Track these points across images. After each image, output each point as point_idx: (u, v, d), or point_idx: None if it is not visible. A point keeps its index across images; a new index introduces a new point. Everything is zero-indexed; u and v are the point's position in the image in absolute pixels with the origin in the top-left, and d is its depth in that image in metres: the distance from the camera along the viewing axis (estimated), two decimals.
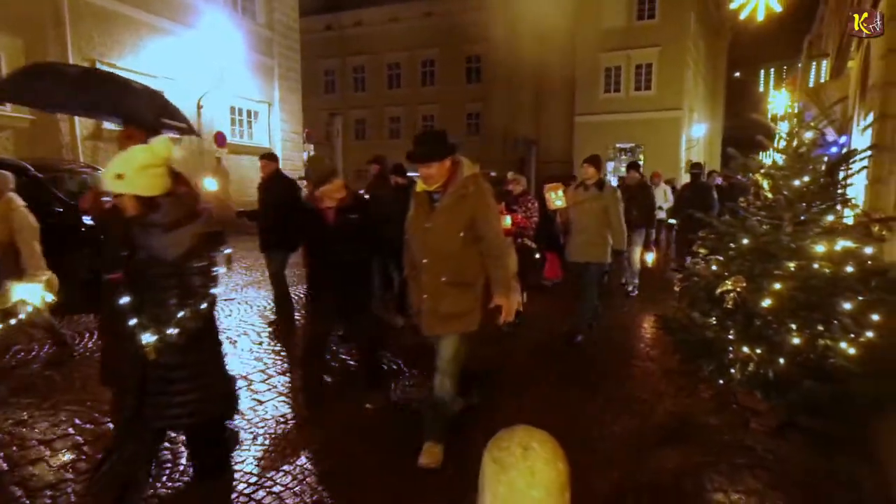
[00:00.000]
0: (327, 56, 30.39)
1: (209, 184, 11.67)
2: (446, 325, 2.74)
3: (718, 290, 3.08)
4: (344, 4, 29.18)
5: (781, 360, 2.90)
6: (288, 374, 4.03)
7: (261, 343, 4.79)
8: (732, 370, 3.07)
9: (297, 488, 2.55)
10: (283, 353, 4.52)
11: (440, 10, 27.80)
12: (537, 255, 5.50)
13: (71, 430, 3.11)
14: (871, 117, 5.92)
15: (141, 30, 12.29)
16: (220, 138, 14.18)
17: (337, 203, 3.26)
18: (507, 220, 4.73)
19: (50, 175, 6.02)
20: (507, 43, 25.27)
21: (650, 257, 7.13)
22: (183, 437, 3.01)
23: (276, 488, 2.55)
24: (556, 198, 4.98)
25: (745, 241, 3.22)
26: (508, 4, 24.45)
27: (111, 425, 3.15)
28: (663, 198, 9.42)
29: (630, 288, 7.03)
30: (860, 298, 2.86)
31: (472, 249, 2.70)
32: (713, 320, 3.27)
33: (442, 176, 2.68)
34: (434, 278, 2.71)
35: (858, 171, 3.35)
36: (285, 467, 2.73)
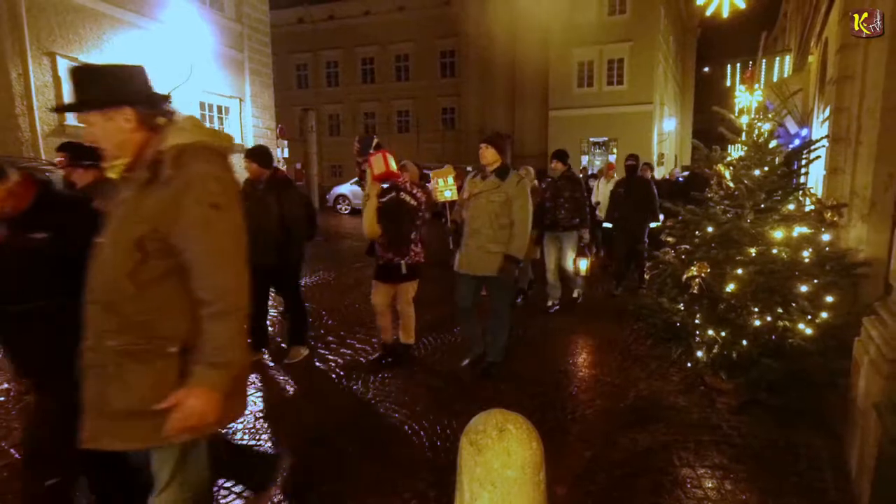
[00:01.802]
0: (299, 50, 29.97)
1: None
2: (119, 433, 1.49)
3: (684, 277, 3.20)
4: None
5: (744, 342, 3.05)
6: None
7: None
8: (699, 353, 3.22)
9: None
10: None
11: (413, 4, 27.69)
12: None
13: None
14: (828, 110, 6.18)
15: (104, 23, 11.92)
16: None
17: (3, 212, 1.88)
18: (393, 163, 3.61)
19: None
20: (480, 37, 25.34)
21: (583, 264, 5.75)
22: None
23: None
24: (445, 187, 3.77)
25: (710, 229, 3.36)
26: None
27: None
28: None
29: (575, 294, 6.01)
30: (815, 281, 3.03)
31: (167, 286, 1.47)
32: (681, 306, 3.41)
33: (118, 145, 1.50)
34: (98, 340, 1.49)
35: (813, 161, 3.51)
36: None
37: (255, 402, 3.46)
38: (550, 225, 5.67)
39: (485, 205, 3.64)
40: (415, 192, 3.88)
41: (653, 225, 6.37)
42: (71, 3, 11.19)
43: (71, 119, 11.19)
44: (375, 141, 3.89)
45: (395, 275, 3.89)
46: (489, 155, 3.68)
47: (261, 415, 3.27)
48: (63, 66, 11.02)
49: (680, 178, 11.30)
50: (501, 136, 3.79)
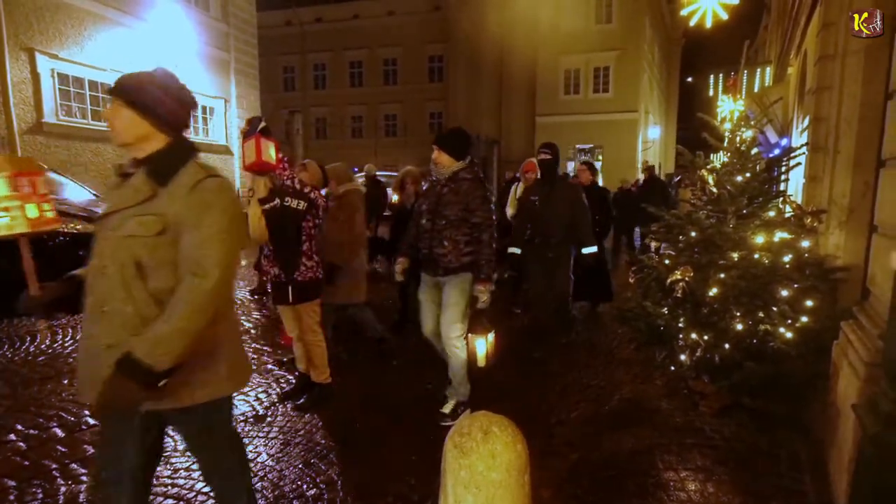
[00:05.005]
0: (287, 52, 29.77)
1: None
2: None
3: (668, 281, 3.23)
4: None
5: (726, 346, 3.09)
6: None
7: None
8: (682, 356, 3.25)
9: (258, 485, 2.51)
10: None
11: (402, 9, 27.75)
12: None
13: (12, 437, 2.95)
14: (807, 120, 6.33)
15: (86, 19, 11.69)
16: None
17: None
18: (272, 151, 2.86)
19: None
20: (469, 43, 25.48)
21: (481, 346, 3.26)
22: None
23: None
24: None
25: (693, 234, 3.40)
26: (471, 5, 24.65)
27: (57, 430, 3.02)
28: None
29: (446, 409, 3.21)
30: (796, 286, 3.08)
31: None
32: (665, 310, 3.44)
33: None
34: None
35: (793, 168, 3.58)
36: None
37: (235, 405, 3.40)
38: (426, 262, 3.18)
39: (115, 244, 1.54)
40: (306, 190, 3.23)
41: (585, 251, 4.37)
42: None
43: (49, 117, 10.95)
44: (262, 125, 2.91)
45: (286, 295, 3.25)
46: (121, 125, 1.61)
47: (241, 419, 3.22)
48: (42, 62, 10.77)
49: (634, 187, 10.30)
50: (147, 79, 1.71)
